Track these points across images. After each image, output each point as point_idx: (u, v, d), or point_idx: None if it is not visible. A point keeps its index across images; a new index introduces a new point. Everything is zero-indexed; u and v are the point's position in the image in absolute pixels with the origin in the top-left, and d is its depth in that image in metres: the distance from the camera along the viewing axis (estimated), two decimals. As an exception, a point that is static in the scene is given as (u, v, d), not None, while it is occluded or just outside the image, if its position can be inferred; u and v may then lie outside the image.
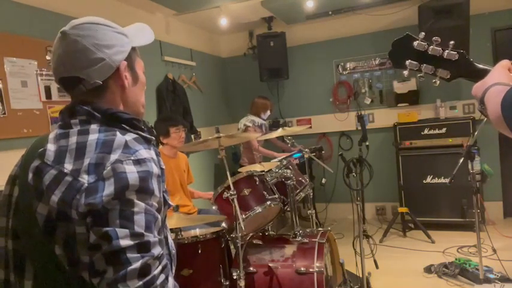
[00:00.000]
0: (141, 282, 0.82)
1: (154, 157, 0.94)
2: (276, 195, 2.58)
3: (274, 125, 5.14)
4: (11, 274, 0.95)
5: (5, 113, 2.55)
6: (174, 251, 1.07)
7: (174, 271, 1.07)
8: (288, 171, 2.67)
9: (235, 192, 2.23)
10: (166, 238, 1.03)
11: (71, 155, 0.88)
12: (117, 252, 0.81)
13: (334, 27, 5.07)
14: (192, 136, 4.43)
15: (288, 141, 3.55)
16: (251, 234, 2.62)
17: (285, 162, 2.84)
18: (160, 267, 0.86)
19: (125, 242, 0.81)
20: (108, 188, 0.83)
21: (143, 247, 0.83)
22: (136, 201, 0.84)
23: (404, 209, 4.29)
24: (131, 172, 0.85)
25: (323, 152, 4.86)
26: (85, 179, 0.84)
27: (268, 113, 4.56)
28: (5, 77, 2.56)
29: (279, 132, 3.37)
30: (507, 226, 4.25)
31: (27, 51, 2.68)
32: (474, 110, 4.48)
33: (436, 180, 4.29)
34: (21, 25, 2.70)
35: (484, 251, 3.20)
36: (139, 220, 0.84)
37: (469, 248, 3.72)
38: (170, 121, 3.25)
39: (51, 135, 0.95)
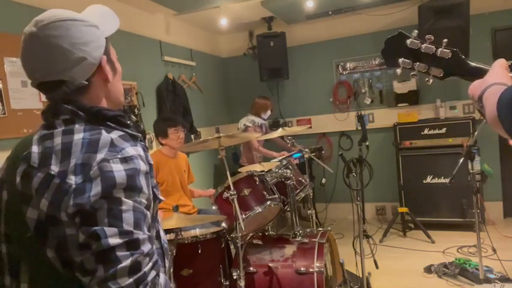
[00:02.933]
0: (131, 280, 0.82)
1: (142, 153, 0.92)
2: (276, 195, 2.58)
3: (274, 125, 5.14)
4: (7, 277, 0.94)
5: (5, 113, 2.54)
6: (166, 245, 1.06)
7: (167, 264, 1.06)
8: (288, 171, 2.67)
9: (235, 192, 2.23)
10: (158, 232, 1.02)
11: (57, 156, 0.87)
12: (106, 250, 0.81)
13: (334, 27, 5.07)
14: (192, 136, 4.43)
15: (288, 141, 3.56)
16: (251, 234, 2.62)
17: (285, 162, 2.83)
18: (150, 264, 0.86)
19: (114, 241, 0.81)
20: (96, 188, 0.82)
21: (132, 245, 0.83)
22: (124, 199, 0.84)
23: (404, 209, 4.29)
24: (118, 171, 0.84)
25: (323, 152, 4.86)
26: (72, 180, 0.83)
27: (269, 112, 4.56)
28: (5, 77, 2.56)
29: (279, 132, 3.37)
30: (507, 226, 4.25)
31: (27, 51, 2.68)
32: (474, 110, 4.48)
33: (436, 180, 4.29)
34: (21, 25, 2.68)
35: (484, 251, 3.20)
36: (128, 218, 0.84)
37: (469, 248, 3.72)
38: (169, 121, 3.22)
39: (36, 137, 0.93)
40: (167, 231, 2.42)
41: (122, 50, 3.70)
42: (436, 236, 4.05)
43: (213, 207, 2.62)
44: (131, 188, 0.85)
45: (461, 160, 2.86)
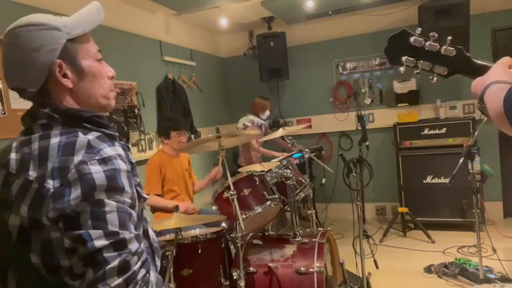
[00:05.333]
0: (121, 279, 0.82)
1: (121, 153, 0.91)
2: (276, 195, 2.57)
3: (274, 125, 5.14)
4: None
5: (5, 113, 2.54)
6: (156, 244, 1.06)
7: (159, 264, 1.06)
8: (288, 171, 2.67)
9: (235, 192, 2.23)
10: (146, 231, 1.02)
11: (34, 161, 0.86)
12: (93, 253, 0.81)
13: (334, 27, 5.07)
14: (192, 136, 4.43)
15: (288, 141, 3.56)
16: (251, 234, 2.62)
17: (285, 162, 2.83)
18: (139, 263, 0.86)
19: (100, 243, 0.81)
20: (75, 192, 0.81)
21: (119, 245, 0.83)
22: (106, 200, 0.83)
23: (404, 209, 4.29)
24: (97, 172, 0.83)
25: (323, 152, 4.86)
26: (50, 184, 0.83)
27: (268, 113, 4.55)
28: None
29: (280, 132, 3.36)
30: (507, 226, 4.25)
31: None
32: (474, 110, 4.48)
33: (436, 180, 4.29)
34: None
35: (484, 251, 3.19)
36: (112, 218, 0.83)
37: (469, 248, 3.72)
38: (172, 123, 3.20)
39: (14, 144, 0.93)
40: (167, 232, 2.42)
41: (122, 50, 3.72)
42: (436, 236, 4.05)
43: (213, 207, 2.62)
44: (113, 188, 0.84)
45: (461, 160, 2.86)
